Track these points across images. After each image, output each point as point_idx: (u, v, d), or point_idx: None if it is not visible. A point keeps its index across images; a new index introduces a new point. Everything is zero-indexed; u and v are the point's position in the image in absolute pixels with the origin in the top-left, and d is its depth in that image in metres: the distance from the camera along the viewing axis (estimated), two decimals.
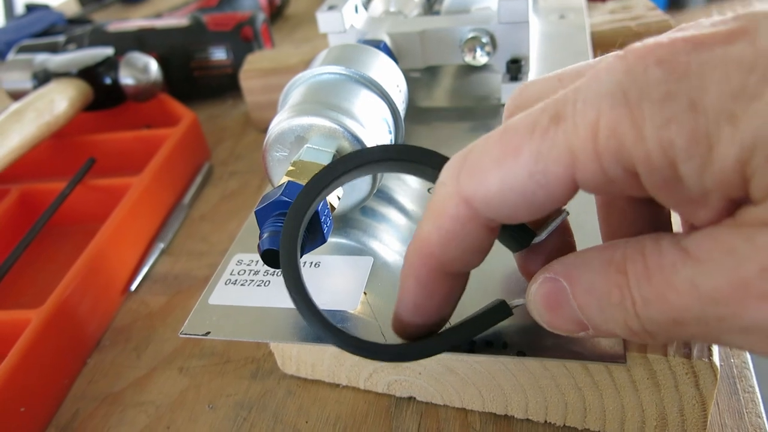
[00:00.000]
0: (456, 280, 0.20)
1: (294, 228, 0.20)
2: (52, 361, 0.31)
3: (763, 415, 0.26)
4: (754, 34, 0.14)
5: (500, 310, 0.21)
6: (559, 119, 0.16)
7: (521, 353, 0.23)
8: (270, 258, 0.23)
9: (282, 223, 0.24)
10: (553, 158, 0.16)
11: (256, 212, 0.24)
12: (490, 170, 0.17)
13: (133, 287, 0.38)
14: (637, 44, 0.15)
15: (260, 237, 0.24)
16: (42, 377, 0.30)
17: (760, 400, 0.26)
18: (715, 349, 0.22)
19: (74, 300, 0.33)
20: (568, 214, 0.21)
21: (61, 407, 0.31)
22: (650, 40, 0.15)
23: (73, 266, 0.34)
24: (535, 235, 0.21)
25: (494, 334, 0.23)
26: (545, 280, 0.19)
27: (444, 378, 0.27)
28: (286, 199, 0.24)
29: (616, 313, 0.17)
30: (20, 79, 0.52)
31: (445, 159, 0.20)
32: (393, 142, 0.31)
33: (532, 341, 0.23)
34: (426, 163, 0.20)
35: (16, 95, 0.52)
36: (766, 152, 0.13)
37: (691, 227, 0.17)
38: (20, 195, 0.43)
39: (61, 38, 0.59)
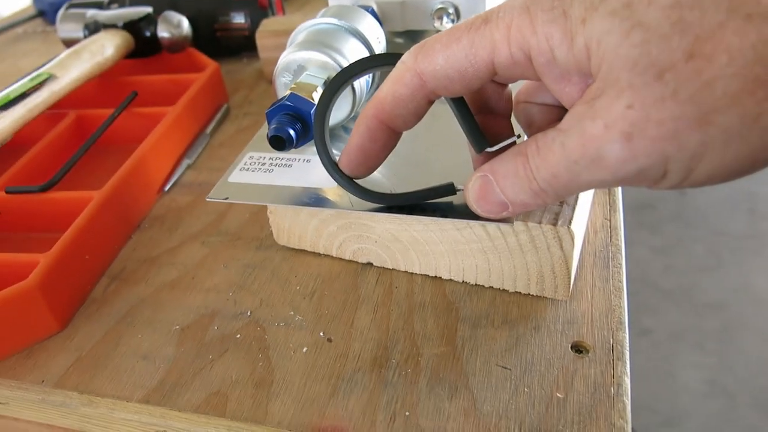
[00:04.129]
0: (392, 136, 0.30)
1: (327, 97, 0.32)
2: (106, 228, 0.42)
3: (624, 281, 0.35)
4: None
5: (448, 188, 0.32)
6: (488, 21, 0.25)
7: (444, 216, 0.33)
8: (275, 142, 0.34)
9: (285, 120, 0.34)
10: (481, 44, 0.25)
11: (267, 113, 0.35)
12: (439, 51, 0.26)
13: (166, 189, 0.48)
14: None
15: (269, 128, 0.34)
16: (99, 238, 0.41)
17: (624, 272, 0.36)
18: (575, 219, 0.32)
19: (123, 189, 0.44)
20: (519, 137, 0.30)
21: (112, 264, 0.42)
22: None
23: (122, 166, 0.45)
24: (488, 145, 0.29)
25: (432, 208, 0.33)
26: (477, 177, 0.28)
27: (392, 245, 0.37)
28: (289, 103, 0.34)
29: (523, 183, 0.26)
30: (73, 29, 0.62)
31: None
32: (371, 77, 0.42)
33: (453, 212, 0.33)
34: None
35: (68, 43, 0.63)
36: (597, 40, 0.22)
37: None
38: (76, 118, 0.53)
39: None
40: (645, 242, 1.80)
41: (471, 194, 0.29)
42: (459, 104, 0.29)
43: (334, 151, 0.33)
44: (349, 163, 0.31)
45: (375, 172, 0.36)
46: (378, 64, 0.32)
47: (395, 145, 0.31)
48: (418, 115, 0.29)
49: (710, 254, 1.74)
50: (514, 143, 0.29)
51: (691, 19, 0.20)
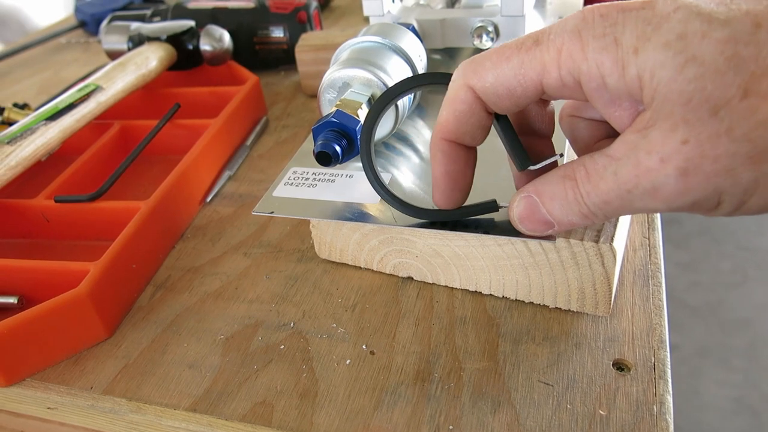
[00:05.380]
0: (469, 152, 0.30)
1: (374, 114, 0.32)
2: (152, 238, 0.43)
3: (664, 300, 0.36)
4: (654, 4, 0.23)
5: (491, 205, 0.32)
6: (539, 43, 0.25)
7: (486, 232, 0.33)
8: (322, 158, 0.34)
9: (331, 136, 0.35)
10: (531, 65, 0.25)
11: (313, 129, 0.36)
12: (489, 69, 0.26)
13: (208, 200, 0.49)
14: (589, 6, 0.25)
15: (315, 145, 0.35)
16: (146, 247, 0.42)
17: (664, 291, 0.37)
18: (617, 236, 0.33)
19: (168, 199, 0.45)
20: (561, 156, 0.30)
21: (157, 273, 0.43)
22: (597, 4, 0.25)
23: (167, 177, 0.46)
24: (531, 163, 0.29)
25: (474, 225, 0.34)
26: (522, 198, 0.28)
27: (433, 260, 0.38)
28: (335, 120, 0.35)
29: (573, 206, 0.26)
30: (118, 41, 0.64)
31: None
32: (412, 95, 0.42)
33: (495, 228, 0.33)
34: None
35: (112, 54, 0.64)
36: (651, 72, 0.22)
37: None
38: (121, 128, 0.55)
39: (147, 11, 0.72)
40: (671, 258, 1.79)
41: (515, 213, 0.29)
42: (503, 122, 0.29)
43: (379, 169, 0.33)
44: (442, 194, 0.31)
45: (415, 188, 0.37)
46: (423, 83, 0.32)
47: (476, 161, 0.31)
48: (482, 128, 0.29)
49: (737, 270, 1.72)
50: (556, 163, 0.30)
51: (746, 54, 0.21)
